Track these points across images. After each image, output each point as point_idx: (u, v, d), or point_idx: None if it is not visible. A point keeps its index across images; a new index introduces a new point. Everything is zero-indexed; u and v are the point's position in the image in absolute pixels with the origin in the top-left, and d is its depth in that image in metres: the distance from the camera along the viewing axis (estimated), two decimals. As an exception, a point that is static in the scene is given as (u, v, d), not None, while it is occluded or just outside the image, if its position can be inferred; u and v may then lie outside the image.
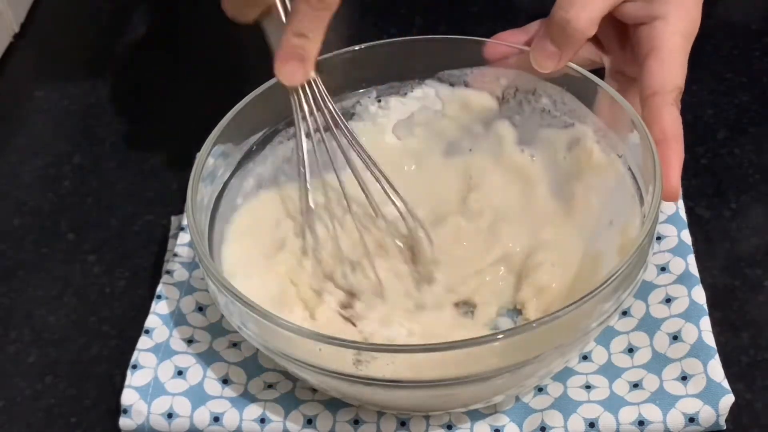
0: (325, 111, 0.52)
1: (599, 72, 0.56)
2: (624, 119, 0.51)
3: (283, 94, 0.53)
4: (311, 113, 0.52)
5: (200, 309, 0.56)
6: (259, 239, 0.55)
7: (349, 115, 0.59)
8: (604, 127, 0.54)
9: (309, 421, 0.51)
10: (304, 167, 0.53)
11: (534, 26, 0.55)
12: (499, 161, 0.59)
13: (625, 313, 0.54)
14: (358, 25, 0.81)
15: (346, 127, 0.53)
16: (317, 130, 0.53)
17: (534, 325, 0.43)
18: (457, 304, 0.55)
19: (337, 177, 0.54)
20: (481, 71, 0.58)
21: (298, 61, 0.50)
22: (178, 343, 0.54)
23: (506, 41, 0.56)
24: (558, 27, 0.52)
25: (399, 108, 0.60)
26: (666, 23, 0.52)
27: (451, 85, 0.58)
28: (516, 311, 0.55)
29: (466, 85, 0.58)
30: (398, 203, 0.54)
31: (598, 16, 0.52)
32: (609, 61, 0.57)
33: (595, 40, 0.56)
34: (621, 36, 0.55)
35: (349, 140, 0.53)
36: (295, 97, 0.52)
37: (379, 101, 0.59)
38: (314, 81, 0.52)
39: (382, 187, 0.54)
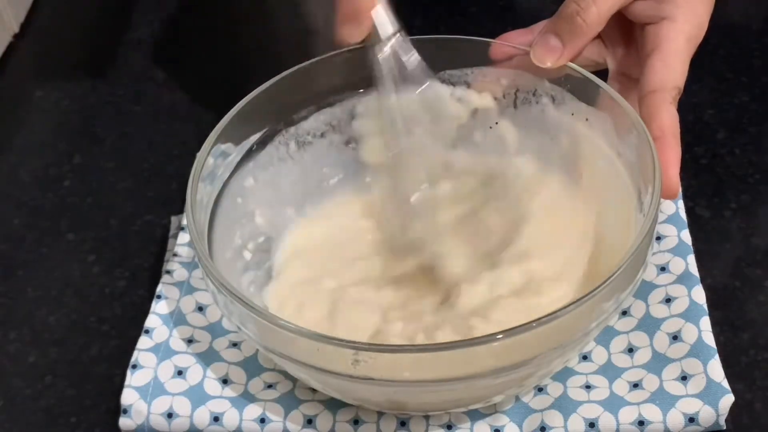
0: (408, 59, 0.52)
1: (602, 74, 0.56)
2: (624, 119, 0.51)
3: (284, 93, 0.54)
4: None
5: (200, 309, 0.56)
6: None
7: (350, 115, 0.59)
8: (603, 127, 0.54)
9: (309, 421, 0.51)
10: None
11: (540, 26, 0.55)
12: (500, 161, 0.59)
13: (624, 313, 0.54)
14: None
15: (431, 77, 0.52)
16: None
17: (534, 324, 0.43)
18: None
19: None
20: (482, 71, 0.58)
21: (353, 20, 0.50)
22: (178, 343, 0.54)
23: (512, 42, 0.56)
24: (566, 20, 0.52)
25: (400, 108, 0.60)
26: (673, 24, 0.52)
27: (452, 85, 0.58)
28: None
29: (467, 85, 0.58)
30: None
31: (608, 13, 0.52)
32: (613, 63, 0.57)
33: (600, 40, 0.56)
34: (626, 37, 0.56)
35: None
36: (377, 51, 0.52)
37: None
38: (396, 33, 0.51)
39: None
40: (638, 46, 0.54)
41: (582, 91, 0.54)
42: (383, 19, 0.51)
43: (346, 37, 0.50)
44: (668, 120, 0.50)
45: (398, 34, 0.52)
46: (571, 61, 0.54)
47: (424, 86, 0.53)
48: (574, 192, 0.56)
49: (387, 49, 0.51)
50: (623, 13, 0.54)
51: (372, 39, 0.51)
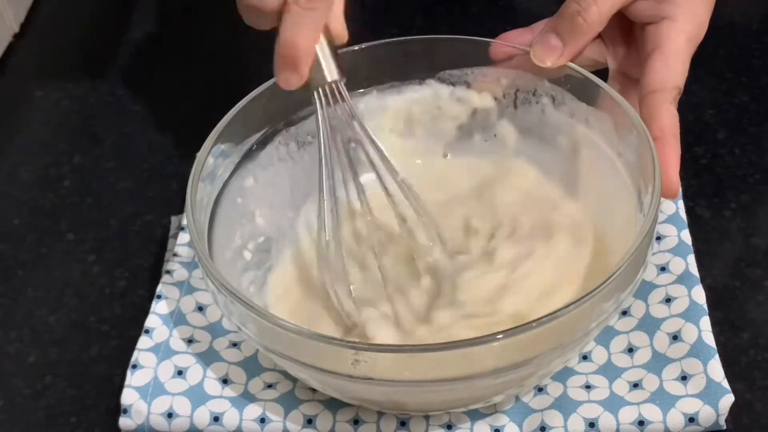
0: (342, 111, 0.51)
1: (602, 73, 0.56)
2: (624, 119, 0.51)
3: (284, 94, 0.54)
4: (328, 113, 0.51)
5: (200, 309, 0.56)
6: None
7: (351, 115, 0.59)
8: (603, 127, 0.54)
9: (309, 421, 0.51)
10: (323, 172, 0.52)
11: (540, 25, 0.55)
12: (500, 162, 0.59)
13: (625, 313, 0.54)
14: (358, 25, 0.81)
15: (364, 130, 0.52)
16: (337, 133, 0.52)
17: (534, 324, 0.43)
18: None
19: (355, 186, 0.53)
20: (482, 71, 0.58)
21: (290, 67, 0.48)
22: (178, 343, 0.54)
23: (512, 41, 0.56)
24: (567, 19, 0.52)
25: (400, 108, 0.60)
26: (673, 24, 0.52)
27: (452, 85, 0.58)
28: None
29: (467, 85, 0.58)
30: (421, 214, 0.54)
31: (609, 13, 0.52)
32: (613, 62, 0.57)
33: (601, 40, 0.56)
34: (626, 36, 0.56)
35: (368, 143, 0.52)
36: (315, 98, 0.51)
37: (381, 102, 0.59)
38: (335, 83, 0.50)
39: (405, 196, 0.53)
40: (639, 46, 0.54)
41: (582, 91, 0.54)
42: (321, 67, 0.50)
43: (282, 84, 0.49)
44: (668, 120, 0.50)
45: (335, 83, 0.50)
46: (572, 60, 0.54)
47: (353, 134, 0.52)
48: (573, 193, 0.56)
49: (323, 97, 0.51)
50: (624, 12, 0.54)
51: (311, 83, 0.50)
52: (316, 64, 0.50)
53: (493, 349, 0.43)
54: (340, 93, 0.51)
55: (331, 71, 0.50)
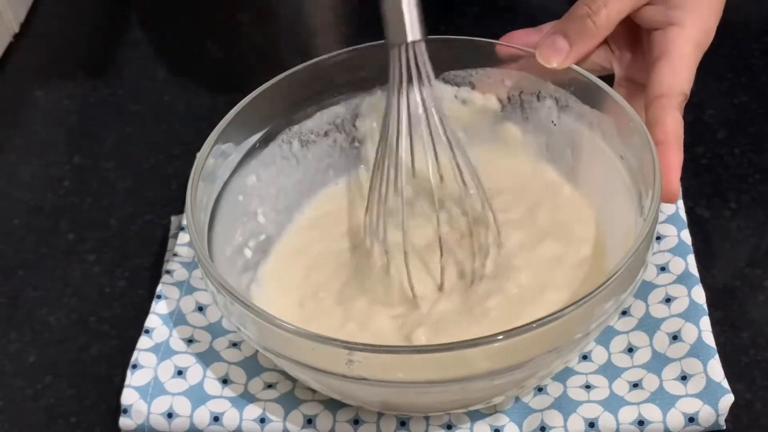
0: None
1: (608, 79, 0.56)
2: (626, 122, 0.51)
3: (285, 93, 0.54)
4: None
5: (200, 309, 0.56)
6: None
7: (354, 114, 0.59)
8: (606, 129, 0.54)
9: (309, 421, 0.51)
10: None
11: (547, 27, 0.55)
12: (502, 163, 0.59)
13: (625, 313, 0.54)
14: (358, 25, 0.81)
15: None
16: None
17: (534, 325, 0.43)
18: None
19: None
20: (486, 73, 0.58)
21: None
22: (178, 343, 0.54)
23: (517, 41, 0.56)
24: (575, 21, 0.52)
25: (403, 108, 0.60)
26: (681, 30, 0.52)
27: (456, 86, 0.58)
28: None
29: (471, 86, 0.58)
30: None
31: (618, 17, 0.52)
32: (619, 68, 0.57)
33: (607, 46, 0.56)
34: (633, 42, 0.56)
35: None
36: (391, 57, 0.51)
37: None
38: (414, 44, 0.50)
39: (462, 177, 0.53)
40: (645, 51, 0.54)
41: (586, 94, 0.54)
42: (404, 23, 0.49)
43: None
44: (672, 125, 0.50)
45: (414, 44, 0.50)
46: (577, 65, 0.54)
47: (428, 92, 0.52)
48: (575, 194, 0.56)
49: (405, 55, 0.50)
50: (632, 17, 0.54)
51: (394, 38, 0.49)
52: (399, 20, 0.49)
53: (491, 351, 0.43)
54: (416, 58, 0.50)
55: (413, 30, 0.50)
